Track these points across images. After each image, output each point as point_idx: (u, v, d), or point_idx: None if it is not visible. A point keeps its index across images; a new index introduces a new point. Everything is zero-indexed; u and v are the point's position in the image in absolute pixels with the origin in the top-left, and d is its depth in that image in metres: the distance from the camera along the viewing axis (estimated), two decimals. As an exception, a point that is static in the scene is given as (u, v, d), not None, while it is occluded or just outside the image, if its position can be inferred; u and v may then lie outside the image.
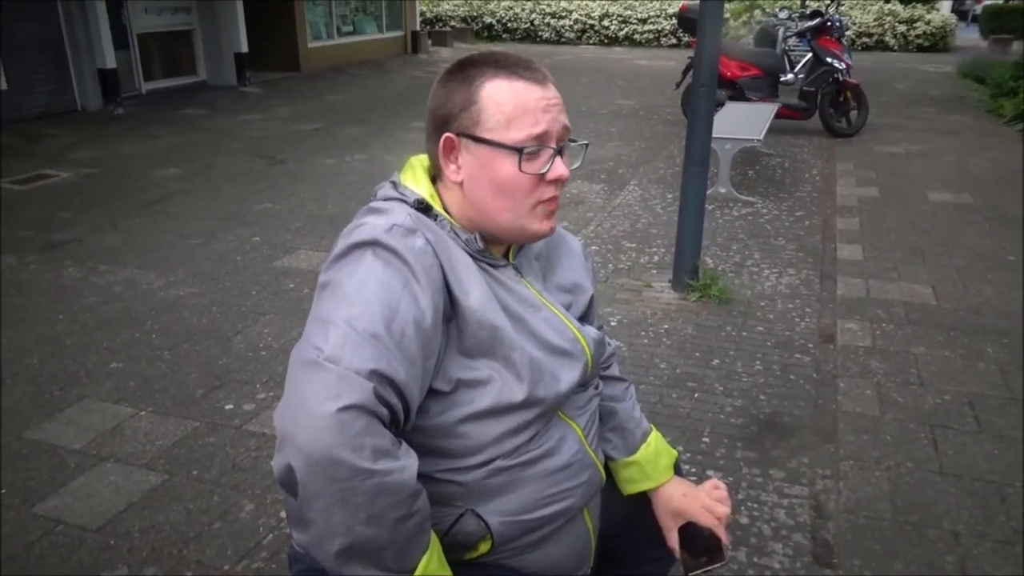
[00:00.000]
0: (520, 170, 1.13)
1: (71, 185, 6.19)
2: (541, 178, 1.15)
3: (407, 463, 0.99)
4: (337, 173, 6.56)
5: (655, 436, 1.44)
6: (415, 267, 1.06)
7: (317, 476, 0.93)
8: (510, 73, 1.14)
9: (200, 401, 2.97)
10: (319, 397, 0.94)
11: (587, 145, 1.22)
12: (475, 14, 19.93)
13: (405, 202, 1.17)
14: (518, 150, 1.13)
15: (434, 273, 1.09)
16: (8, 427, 2.78)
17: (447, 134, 1.15)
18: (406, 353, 1.01)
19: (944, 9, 18.22)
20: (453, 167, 1.17)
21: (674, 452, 1.45)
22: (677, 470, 1.44)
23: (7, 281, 4.16)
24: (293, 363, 1.01)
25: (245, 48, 11.63)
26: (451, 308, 1.11)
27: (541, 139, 1.14)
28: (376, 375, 0.97)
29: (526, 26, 19.43)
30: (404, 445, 1.01)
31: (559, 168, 1.15)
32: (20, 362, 3.27)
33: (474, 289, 1.12)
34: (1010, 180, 6.14)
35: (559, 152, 1.16)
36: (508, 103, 1.13)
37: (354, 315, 1.01)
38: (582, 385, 1.28)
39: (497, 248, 1.22)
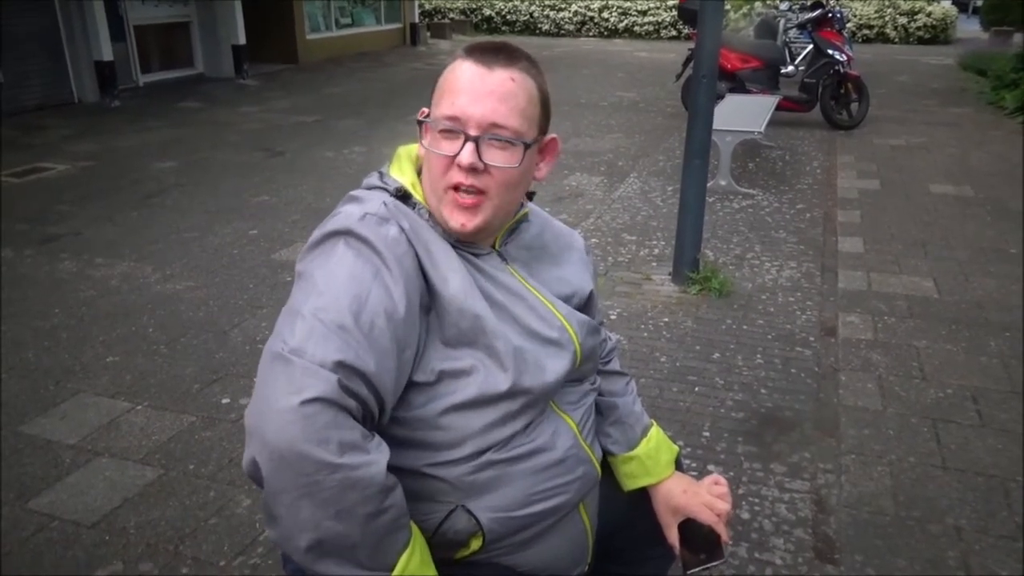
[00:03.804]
0: (424, 142, 1.14)
1: (68, 178, 6.15)
2: (453, 161, 1.11)
3: (375, 457, 0.97)
4: (335, 166, 6.52)
5: (656, 431, 1.42)
6: (387, 256, 1.05)
7: (282, 471, 0.93)
8: (467, 55, 1.13)
9: (196, 395, 2.94)
10: (282, 391, 0.94)
11: (527, 145, 1.13)
12: (474, 6, 19.84)
13: (386, 190, 1.16)
14: (420, 123, 1.14)
15: (408, 262, 1.07)
16: (3, 422, 2.76)
17: (423, 108, 1.18)
18: (376, 344, 1.00)
19: (945, 1, 18.13)
20: (425, 143, 1.19)
21: (675, 448, 1.43)
22: (678, 466, 1.42)
23: (3, 275, 4.13)
24: (263, 357, 1.01)
25: (243, 40, 11.56)
26: (429, 297, 1.10)
27: (455, 120, 1.10)
28: (342, 367, 0.96)
29: (525, 18, 19.34)
30: (376, 439, 0.99)
31: (463, 155, 1.09)
32: (15, 356, 3.24)
33: (453, 277, 1.11)
34: (1012, 173, 6.11)
35: (475, 140, 1.10)
36: (448, 80, 1.13)
37: (321, 306, 1.00)
38: (577, 379, 1.26)
39: (483, 235, 1.18)
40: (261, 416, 0.94)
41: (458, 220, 1.12)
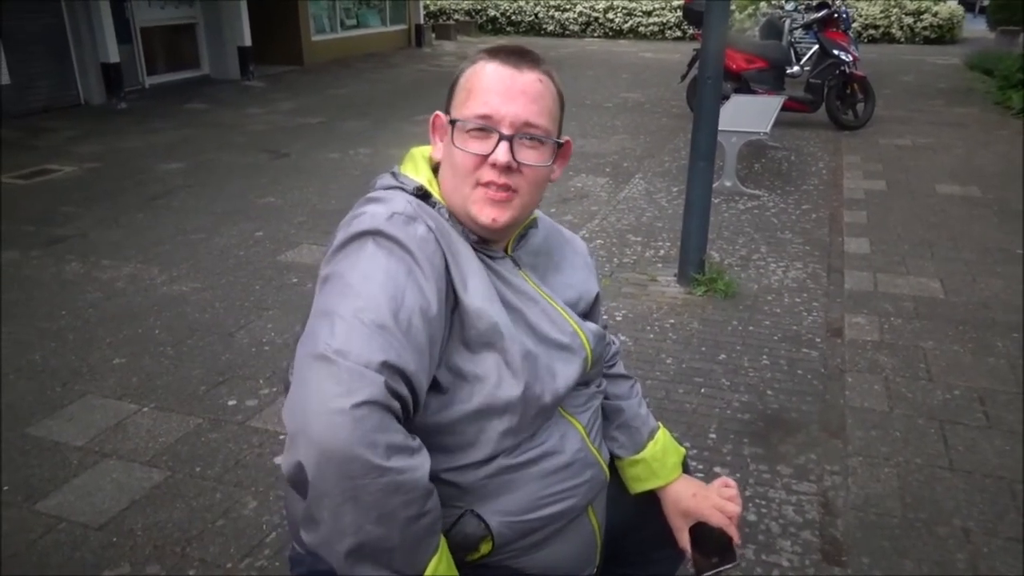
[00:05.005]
0: (453, 142, 1.14)
1: (74, 180, 6.18)
2: (484, 160, 1.12)
3: (420, 461, 0.97)
4: (340, 167, 6.53)
5: (662, 434, 1.41)
6: (418, 255, 1.05)
7: (329, 474, 0.91)
8: (492, 57, 1.15)
9: (203, 397, 2.95)
10: (331, 393, 0.92)
11: (558, 144, 1.18)
12: (479, 7, 19.85)
13: (404, 190, 1.16)
14: (453, 122, 1.15)
15: (437, 261, 1.08)
16: (10, 424, 2.77)
17: (436, 112, 1.20)
18: (414, 343, 1.00)
19: (951, 1, 18.07)
20: (440, 144, 1.20)
21: (682, 450, 1.43)
22: (685, 468, 1.42)
23: (9, 276, 4.15)
24: (301, 358, 0.99)
25: (248, 42, 11.59)
26: (453, 296, 1.10)
27: (488, 119, 1.12)
28: (387, 367, 0.95)
29: (530, 19, 19.34)
30: (417, 441, 0.99)
31: (498, 153, 1.11)
32: (22, 358, 3.25)
33: (474, 279, 1.12)
34: (1018, 173, 6.08)
35: (509, 140, 1.12)
36: (472, 81, 1.14)
37: (360, 307, 0.99)
38: (583, 383, 1.26)
39: (506, 233, 1.20)
40: (308, 417, 0.92)
41: (489, 215, 1.14)
